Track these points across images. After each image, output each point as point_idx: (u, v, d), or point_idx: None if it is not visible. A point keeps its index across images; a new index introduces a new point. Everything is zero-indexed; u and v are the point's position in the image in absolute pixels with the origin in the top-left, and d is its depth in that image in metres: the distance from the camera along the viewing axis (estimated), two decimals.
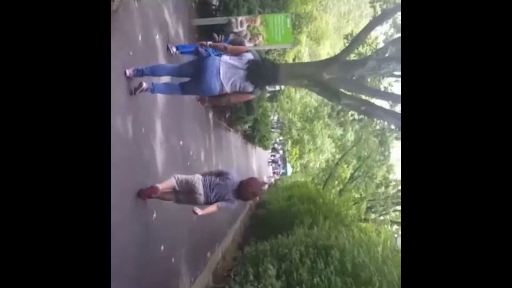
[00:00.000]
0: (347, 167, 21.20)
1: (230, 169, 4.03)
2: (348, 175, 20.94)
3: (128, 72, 3.54)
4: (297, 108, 24.86)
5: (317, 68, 10.03)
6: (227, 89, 3.45)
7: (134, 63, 3.72)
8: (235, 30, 6.33)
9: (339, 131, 22.99)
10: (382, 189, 17.54)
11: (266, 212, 13.59)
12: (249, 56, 3.51)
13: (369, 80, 11.76)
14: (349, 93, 10.04)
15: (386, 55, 9.60)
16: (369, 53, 11.04)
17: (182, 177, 3.74)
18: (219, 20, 6.51)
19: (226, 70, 3.40)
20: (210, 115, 8.28)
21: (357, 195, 18.44)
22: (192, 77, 3.56)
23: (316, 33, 18.37)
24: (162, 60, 4.82)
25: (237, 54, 3.52)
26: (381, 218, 17.32)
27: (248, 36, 6.36)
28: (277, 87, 24.19)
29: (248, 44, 6.56)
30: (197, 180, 3.68)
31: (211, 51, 3.82)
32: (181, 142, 5.57)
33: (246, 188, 3.72)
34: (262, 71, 3.47)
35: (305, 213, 11.07)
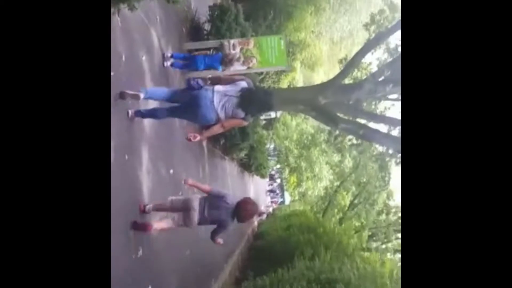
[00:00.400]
0: (346, 194, 20.72)
1: (227, 191, 3.95)
2: (348, 203, 20.43)
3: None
4: (294, 135, 24.73)
5: (313, 92, 9.83)
6: (222, 117, 3.50)
7: (116, 84, 3.42)
8: (228, 53, 6.12)
9: (336, 158, 22.71)
10: (383, 216, 16.96)
11: (264, 243, 13.09)
12: (243, 84, 3.57)
13: (365, 104, 11.57)
14: (347, 118, 9.79)
15: (382, 78, 9.44)
16: (364, 77, 10.93)
17: (176, 198, 3.83)
18: (211, 43, 6.32)
19: (219, 99, 3.45)
20: (204, 142, 7.95)
21: (357, 223, 17.89)
22: (185, 104, 3.59)
23: (310, 59, 18.43)
24: (148, 83, 4.55)
25: (231, 82, 3.60)
26: (383, 246, 16.70)
27: (241, 59, 6.14)
28: (273, 115, 24.11)
29: (242, 67, 6.34)
30: (195, 198, 3.72)
31: (201, 82, 3.71)
32: (171, 171, 5.20)
33: (243, 210, 3.70)
34: (254, 98, 3.52)
35: (305, 244, 10.75)
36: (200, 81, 3.55)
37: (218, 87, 3.52)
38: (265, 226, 17.19)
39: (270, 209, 27.84)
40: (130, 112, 3.74)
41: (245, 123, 3.86)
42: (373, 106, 12.25)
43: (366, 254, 13.52)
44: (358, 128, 9.41)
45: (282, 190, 38.78)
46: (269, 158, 24.93)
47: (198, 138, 3.64)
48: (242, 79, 3.64)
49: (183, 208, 3.68)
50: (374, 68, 11.87)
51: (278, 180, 39.97)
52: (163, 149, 4.99)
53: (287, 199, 36.28)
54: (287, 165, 26.21)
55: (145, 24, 4.77)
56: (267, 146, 22.25)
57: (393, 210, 18.30)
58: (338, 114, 9.79)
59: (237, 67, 6.25)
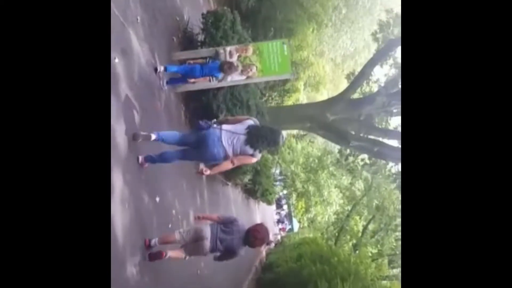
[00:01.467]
0: (360, 219, 19.50)
1: (234, 216, 3.91)
2: (361, 228, 19.19)
3: (153, 136, 3.68)
4: (300, 159, 23.96)
5: (320, 108, 9.05)
6: (230, 154, 3.58)
7: None
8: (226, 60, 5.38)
9: (346, 180, 21.70)
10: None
11: (274, 276, 12.05)
12: (249, 122, 3.72)
13: (376, 120, 10.70)
14: (358, 135, 8.92)
15: (395, 90, 8.62)
16: (375, 91, 10.13)
17: (188, 228, 3.81)
18: (205, 52, 5.58)
19: (227, 137, 3.56)
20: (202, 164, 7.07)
21: (374, 250, 16.61)
22: (193, 145, 3.71)
23: (313, 79, 17.79)
24: (125, 89, 3.75)
25: (237, 122, 3.74)
26: None
27: (240, 68, 5.38)
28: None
29: (240, 77, 5.56)
30: (205, 225, 3.69)
31: (210, 122, 3.78)
32: (157, 199, 4.30)
33: (254, 235, 3.69)
34: (261, 134, 3.64)
35: (319, 276, 9.89)
36: (208, 122, 3.66)
37: (225, 126, 3.64)
38: (273, 256, 16.09)
39: (279, 237, 26.72)
40: (140, 158, 3.78)
41: (254, 160, 3.87)
42: (384, 123, 11.39)
43: (388, 283, 12.36)
44: (372, 145, 8.53)
45: (290, 217, 37.46)
46: (275, 183, 24.03)
47: (209, 172, 3.70)
48: (248, 118, 3.79)
49: (195, 239, 3.64)
50: (383, 83, 11.09)
51: (285, 207, 38.70)
52: (149, 174, 4.12)
53: (296, 225, 34.94)
54: (294, 190, 25.39)
55: (120, 22, 4.02)
56: (273, 170, 21.37)
57: None
58: (349, 131, 8.94)
59: (236, 77, 5.48)
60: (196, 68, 5.28)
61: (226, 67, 5.12)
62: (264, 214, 23.90)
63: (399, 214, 14.95)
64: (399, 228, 15.02)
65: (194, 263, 5.31)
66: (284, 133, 23.06)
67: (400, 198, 15.51)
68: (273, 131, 3.81)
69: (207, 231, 3.60)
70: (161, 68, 5.10)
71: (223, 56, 5.42)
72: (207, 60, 5.38)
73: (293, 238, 23.12)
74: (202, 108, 6.07)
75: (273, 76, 5.76)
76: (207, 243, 3.57)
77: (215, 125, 3.66)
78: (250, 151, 3.63)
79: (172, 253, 3.66)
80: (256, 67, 5.54)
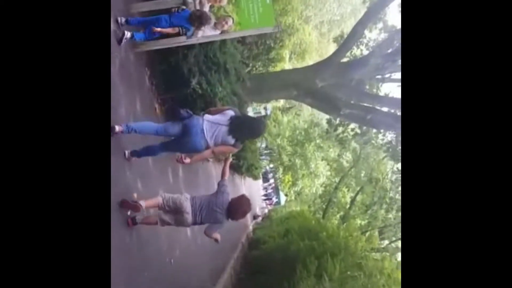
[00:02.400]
0: (348, 191, 19.10)
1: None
2: (349, 200, 18.81)
3: (117, 128, 3.53)
4: (286, 132, 23.32)
5: (308, 74, 8.22)
6: (211, 144, 3.58)
7: None
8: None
9: (333, 152, 21.21)
10: (394, 213, 15.29)
11: (260, 254, 11.58)
12: (231, 112, 3.71)
13: (367, 86, 9.92)
14: (349, 102, 8.15)
15: (390, 50, 7.81)
16: (366, 54, 9.28)
17: (169, 195, 3.71)
18: (170, 2, 4.63)
19: (209, 127, 3.57)
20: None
21: (363, 222, 16.25)
22: (176, 136, 3.68)
23: (300, 46, 16.82)
24: None
25: (219, 112, 3.72)
26: (393, 245, 15.08)
27: (213, 20, 4.49)
28: (263, 112, 22.67)
29: (214, 32, 4.67)
30: (184, 198, 3.67)
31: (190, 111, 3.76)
32: (127, 173, 3.49)
33: (236, 207, 3.71)
34: (243, 125, 3.68)
35: (307, 252, 9.39)
36: (189, 111, 3.66)
37: (207, 116, 3.64)
38: (260, 232, 15.69)
39: (266, 211, 26.46)
40: (126, 152, 3.84)
41: (235, 150, 3.89)
42: (375, 90, 10.62)
43: (377, 255, 12.04)
44: (365, 113, 7.80)
45: (277, 190, 37.26)
46: (261, 158, 23.46)
47: (188, 160, 3.71)
48: (229, 109, 3.80)
49: (174, 210, 3.65)
50: (376, 44, 10.15)
51: (272, 181, 38.41)
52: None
53: (283, 199, 34.78)
54: (280, 163, 24.95)
55: None
56: (258, 145, 20.73)
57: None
58: (339, 98, 8.16)
59: (208, 32, 4.58)
60: (162, 18, 4.40)
61: (196, 17, 4.24)
62: (250, 189, 23.43)
63: (393, 186, 14.56)
64: (394, 201, 14.63)
65: (168, 251, 4.68)
66: (269, 106, 22.48)
67: (391, 168, 15.06)
68: (255, 121, 3.95)
69: (187, 206, 3.59)
70: (121, 20, 4.24)
71: (192, 6, 4.51)
72: (175, 10, 4.47)
73: (280, 211, 22.86)
74: (170, 72, 5.19)
75: (253, 30, 4.85)
76: (189, 217, 3.60)
77: (196, 115, 3.67)
78: (232, 141, 3.63)
79: (144, 219, 3.73)
80: (233, 19, 4.63)
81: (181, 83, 5.23)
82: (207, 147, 3.58)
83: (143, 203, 3.50)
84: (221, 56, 5.70)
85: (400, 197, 14.03)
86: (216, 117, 3.65)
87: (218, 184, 3.85)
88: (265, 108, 22.27)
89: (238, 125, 3.62)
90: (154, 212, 3.88)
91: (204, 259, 6.80)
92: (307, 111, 25.88)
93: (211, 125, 3.58)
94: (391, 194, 14.74)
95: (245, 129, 3.68)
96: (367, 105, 8.23)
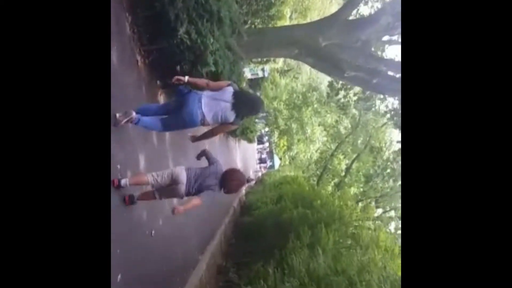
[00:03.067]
0: (344, 158, 18.72)
1: (215, 158, 3.86)
2: (344, 167, 18.48)
3: (118, 116, 3.41)
4: (283, 95, 22.65)
5: (311, 31, 7.46)
6: (209, 120, 3.52)
7: None
8: None
9: (330, 118, 20.67)
10: (390, 182, 14.98)
11: (252, 221, 11.30)
12: (230, 89, 3.60)
13: (373, 49, 9.18)
14: (355, 64, 7.46)
15: (399, 9, 7.03)
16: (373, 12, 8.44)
17: (160, 172, 3.63)
18: None
19: (207, 101, 3.50)
20: (162, 100, 5.58)
21: (357, 191, 15.99)
22: (174, 111, 3.62)
23: (302, 4, 15.74)
24: None
25: (218, 89, 3.60)
26: (387, 215, 14.90)
27: None
28: (260, 74, 21.95)
29: None
30: (180, 170, 3.61)
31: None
32: None
33: (230, 179, 3.66)
34: (244, 101, 3.61)
35: (300, 221, 9.12)
36: (188, 87, 3.60)
37: (206, 92, 3.57)
38: (253, 197, 15.41)
39: (259, 174, 26.26)
40: (118, 115, 3.45)
41: (235, 127, 3.89)
42: (379, 52, 9.87)
43: (370, 224, 11.87)
44: (370, 76, 7.12)
45: (272, 154, 36.99)
46: (257, 120, 22.91)
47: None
48: (228, 84, 3.65)
49: (170, 184, 3.59)
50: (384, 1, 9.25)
51: (267, 144, 38.05)
52: None
53: (277, 162, 34.57)
54: (276, 127, 24.38)
55: None
56: None
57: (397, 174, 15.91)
58: (344, 59, 7.46)
59: None
60: None
61: None
62: (245, 152, 23.05)
63: (392, 156, 14.14)
64: (393, 171, 14.25)
65: (149, 222, 4.21)
66: (267, 67, 21.54)
67: (389, 137, 14.57)
68: (255, 98, 3.94)
69: (183, 176, 3.55)
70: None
71: None
72: None
73: (274, 176, 22.64)
74: (154, 19, 4.46)
75: None
76: (182, 187, 3.55)
77: (195, 90, 3.59)
78: (232, 118, 3.57)
79: (143, 196, 3.72)
80: None
81: (167, 32, 4.52)
82: (204, 121, 3.51)
83: (125, 181, 3.43)
84: (214, 2, 4.95)
85: (398, 167, 13.72)
86: (215, 93, 3.56)
87: (206, 156, 3.86)
88: (262, 70, 21.46)
89: (240, 102, 3.55)
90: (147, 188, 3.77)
91: (192, 228, 6.41)
92: (305, 75, 25.07)
93: (210, 100, 3.50)
94: (389, 164, 14.37)
95: (246, 106, 3.64)
96: (374, 67, 7.54)
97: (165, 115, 3.70)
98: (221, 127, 3.74)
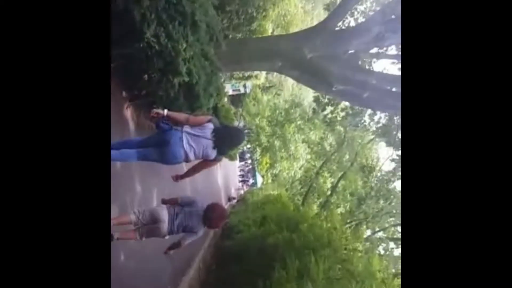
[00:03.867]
0: (329, 176, 18.16)
1: (194, 197, 3.97)
2: (329, 185, 17.91)
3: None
4: (265, 112, 22.20)
5: (296, 42, 6.93)
6: (191, 158, 3.56)
7: None
8: None
9: (314, 135, 20.24)
10: (381, 203, 14.37)
11: (233, 245, 10.50)
12: (210, 126, 3.60)
13: (360, 62, 8.71)
14: (344, 76, 6.92)
15: (393, 16, 6.58)
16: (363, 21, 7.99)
17: (143, 209, 3.65)
18: None
19: (189, 139, 3.51)
20: (129, 114, 4.86)
21: (343, 210, 15.37)
22: (155, 146, 3.59)
23: (284, 18, 15.41)
24: None
25: (198, 125, 3.58)
26: (377, 236, 14.28)
27: None
28: (242, 90, 21.46)
29: None
30: (161, 208, 3.65)
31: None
32: None
33: (212, 217, 3.71)
34: (225, 137, 3.64)
35: (287, 247, 8.38)
36: (169, 123, 3.51)
37: (186, 128, 3.52)
38: (235, 219, 14.58)
39: (242, 192, 25.53)
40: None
41: (216, 163, 3.85)
42: (366, 66, 9.44)
43: (358, 245, 11.21)
44: (361, 90, 6.59)
45: (254, 171, 36.36)
46: None
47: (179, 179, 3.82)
48: (209, 120, 3.62)
49: (151, 222, 3.57)
50: (379, 6, 8.78)
51: (249, 161, 37.46)
52: None
53: (259, 180, 33.94)
54: (258, 144, 23.78)
55: None
56: (236, 123, 19.58)
57: (392, 196, 15.12)
58: (332, 71, 6.93)
59: None
60: None
61: None
62: (227, 170, 22.38)
63: (386, 175, 13.63)
64: (386, 191, 13.68)
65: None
66: (249, 83, 21.01)
67: (376, 154, 14.10)
68: (236, 131, 3.95)
69: (164, 214, 3.56)
70: None
71: None
72: None
73: (257, 194, 21.99)
74: (116, 18, 3.78)
75: None
76: (165, 226, 3.55)
77: (176, 127, 3.51)
78: (214, 155, 3.61)
79: (123, 234, 3.55)
80: None
81: (132, 34, 3.86)
82: (186, 159, 3.53)
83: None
84: (188, 4, 4.32)
85: (391, 187, 13.21)
86: (196, 130, 3.54)
87: (189, 202, 3.79)
88: (244, 86, 20.99)
89: (220, 139, 3.57)
90: (129, 227, 3.67)
91: (163, 258, 5.65)
92: (288, 91, 24.74)
93: (191, 137, 3.52)
94: (383, 184, 13.82)
95: (226, 142, 3.68)
96: (363, 80, 7.01)
97: (144, 147, 3.68)
98: (202, 164, 3.78)
